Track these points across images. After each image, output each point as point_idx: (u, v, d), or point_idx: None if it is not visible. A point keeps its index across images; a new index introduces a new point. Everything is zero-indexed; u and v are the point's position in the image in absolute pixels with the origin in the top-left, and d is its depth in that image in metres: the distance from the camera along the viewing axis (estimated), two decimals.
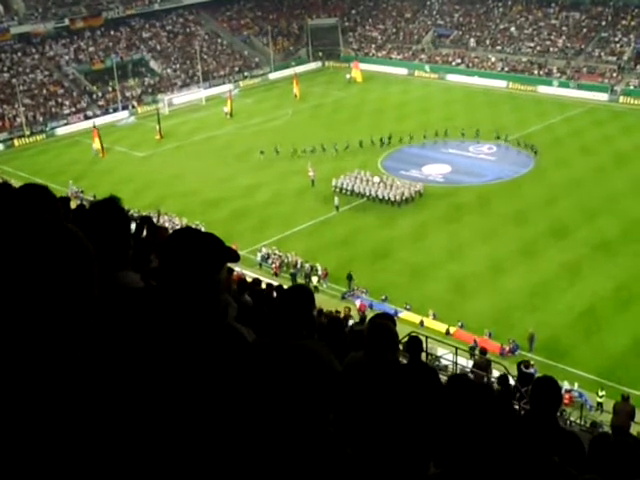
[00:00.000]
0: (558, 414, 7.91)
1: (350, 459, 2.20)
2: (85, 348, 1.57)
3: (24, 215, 1.52)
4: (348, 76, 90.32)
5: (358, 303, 39.24)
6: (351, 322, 18.54)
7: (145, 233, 5.91)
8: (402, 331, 8.54)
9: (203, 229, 40.11)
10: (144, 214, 41.89)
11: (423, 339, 10.56)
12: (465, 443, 4.41)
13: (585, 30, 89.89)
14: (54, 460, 1.42)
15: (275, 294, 14.06)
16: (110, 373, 1.67)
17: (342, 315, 19.32)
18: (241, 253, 40.19)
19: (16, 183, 4.79)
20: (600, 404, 29.80)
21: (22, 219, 1.51)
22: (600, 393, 30.51)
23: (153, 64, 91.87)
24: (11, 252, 1.45)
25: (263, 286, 16.50)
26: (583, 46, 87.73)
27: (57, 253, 1.49)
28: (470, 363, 21.16)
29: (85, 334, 1.55)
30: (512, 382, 19.00)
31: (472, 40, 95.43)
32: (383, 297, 40.44)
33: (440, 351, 24.19)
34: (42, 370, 1.49)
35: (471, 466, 4.19)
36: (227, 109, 78.07)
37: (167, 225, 43.93)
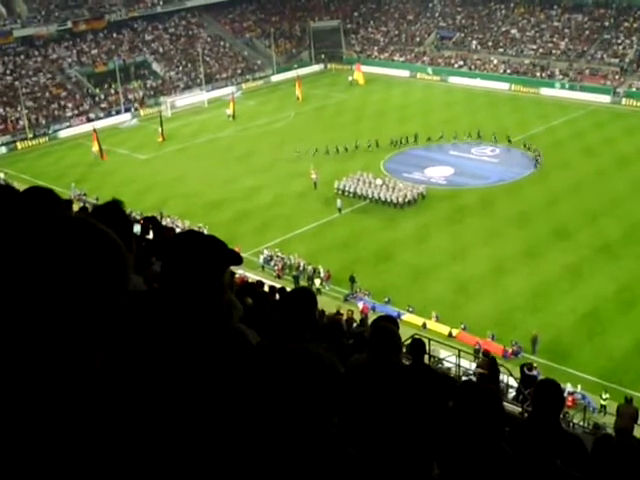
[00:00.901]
0: (561, 416, 7.90)
1: (353, 460, 2.21)
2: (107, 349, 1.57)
3: (60, 217, 1.52)
4: (350, 78, 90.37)
5: (361, 305, 39.23)
6: (354, 325, 18.53)
7: (151, 233, 5.92)
8: (405, 333, 8.55)
9: (206, 231, 40.16)
10: (147, 215, 41.92)
11: (426, 341, 10.56)
12: (467, 445, 4.41)
13: (588, 32, 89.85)
14: (56, 459, 1.43)
15: (278, 296, 14.07)
16: (113, 377, 1.68)
17: (345, 318, 19.31)
18: (243, 255, 40.11)
19: (19, 186, 4.80)
20: (604, 407, 29.74)
21: (58, 221, 1.51)
22: (604, 396, 30.43)
23: (156, 66, 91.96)
24: (47, 253, 1.45)
25: (265, 288, 16.50)
26: (586, 48, 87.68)
27: (95, 253, 1.49)
28: (473, 365, 21.15)
29: (111, 335, 1.56)
30: (514, 383, 19.00)
31: (474, 42, 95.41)
32: (386, 299, 40.42)
33: (443, 353, 24.18)
34: (68, 367, 1.49)
35: (473, 468, 4.19)
36: (229, 111, 78.15)
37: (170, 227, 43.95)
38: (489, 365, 16.42)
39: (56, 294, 1.44)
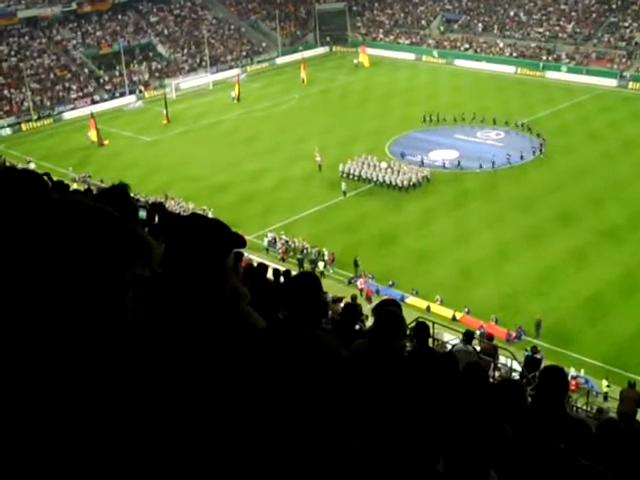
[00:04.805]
0: (565, 401, 7.89)
1: (358, 452, 2.20)
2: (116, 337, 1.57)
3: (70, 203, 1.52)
4: (356, 61, 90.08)
5: (364, 287, 39.45)
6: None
7: (157, 219, 5.91)
8: (409, 317, 8.53)
9: (210, 214, 40.17)
10: (153, 200, 41.94)
11: (430, 325, 10.56)
12: (471, 430, 4.41)
13: (594, 15, 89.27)
14: (56, 451, 1.42)
15: (282, 279, 14.06)
16: (114, 362, 1.67)
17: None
18: (248, 238, 40.20)
19: (23, 167, 4.79)
20: (606, 393, 29.66)
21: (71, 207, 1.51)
22: (605, 383, 30.33)
23: (161, 48, 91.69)
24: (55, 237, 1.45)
25: (269, 271, 16.48)
26: (592, 31, 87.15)
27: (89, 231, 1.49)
28: (478, 349, 21.13)
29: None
30: (518, 367, 19.00)
31: (480, 25, 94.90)
32: (390, 282, 40.44)
33: (447, 337, 24.17)
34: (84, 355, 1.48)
35: (479, 453, 4.19)
36: (234, 94, 77.93)
37: (175, 209, 44.03)
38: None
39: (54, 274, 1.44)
